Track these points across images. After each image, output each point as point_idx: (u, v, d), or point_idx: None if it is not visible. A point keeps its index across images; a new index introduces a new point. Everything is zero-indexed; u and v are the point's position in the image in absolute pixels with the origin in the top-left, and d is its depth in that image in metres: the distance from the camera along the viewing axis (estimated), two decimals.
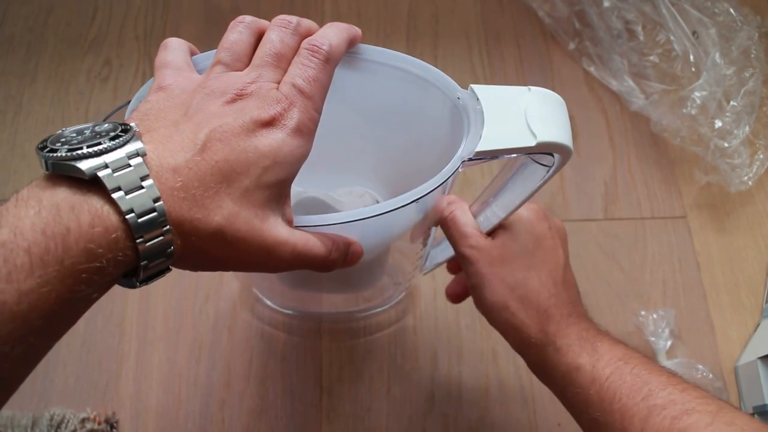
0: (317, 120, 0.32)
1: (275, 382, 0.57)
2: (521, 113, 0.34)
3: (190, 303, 0.60)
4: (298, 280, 0.50)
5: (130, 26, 0.75)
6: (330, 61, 0.32)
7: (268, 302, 0.59)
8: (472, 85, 0.35)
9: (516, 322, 0.42)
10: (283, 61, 0.32)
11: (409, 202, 0.32)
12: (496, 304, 0.42)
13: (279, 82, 0.31)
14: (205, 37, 0.74)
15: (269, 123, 0.29)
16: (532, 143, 0.34)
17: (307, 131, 0.31)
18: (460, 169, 0.34)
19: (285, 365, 0.58)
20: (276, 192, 0.30)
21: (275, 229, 0.30)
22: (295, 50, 0.33)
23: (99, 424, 0.54)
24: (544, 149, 0.34)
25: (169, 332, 0.59)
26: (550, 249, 0.43)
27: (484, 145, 0.33)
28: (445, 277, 0.54)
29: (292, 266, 0.31)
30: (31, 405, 0.55)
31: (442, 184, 0.33)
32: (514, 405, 0.57)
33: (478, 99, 0.35)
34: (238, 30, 0.33)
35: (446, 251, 0.51)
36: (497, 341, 0.59)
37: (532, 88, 0.35)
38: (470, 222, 0.43)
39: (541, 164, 0.37)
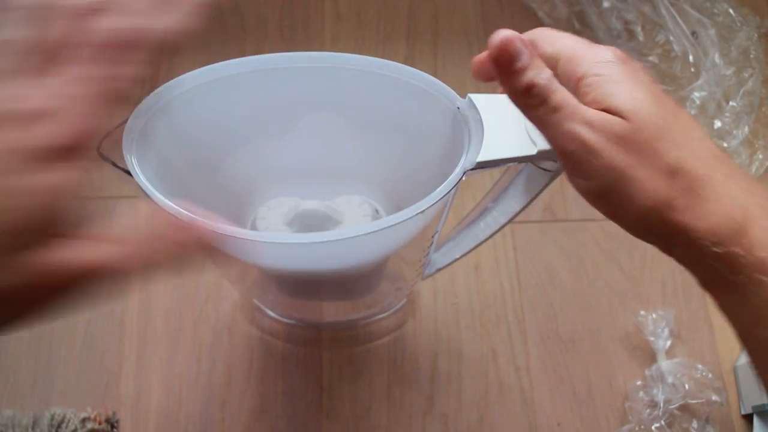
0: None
1: (275, 381, 0.58)
2: (521, 121, 0.34)
3: (191, 303, 0.60)
4: (296, 288, 0.50)
5: None
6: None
7: (268, 312, 0.59)
8: (470, 95, 0.35)
9: (688, 224, 0.29)
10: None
11: (411, 216, 0.32)
12: (655, 206, 0.29)
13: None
14: (206, 37, 0.74)
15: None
16: (533, 151, 0.34)
17: None
18: (463, 178, 0.34)
19: (285, 365, 0.58)
20: None
21: None
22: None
23: (99, 423, 0.54)
24: (545, 156, 0.34)
25: (170, 332, 0.59)
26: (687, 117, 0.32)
27: (485, 155, 0.34)
28: (445, 276, 0.54)
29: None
30: (31, 405, 0.55)
31: (445, 195, 0.33)
32: (513, 405, 0.57)
33: (476, 109, 0.35)
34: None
35: (448, 255, 0.50)
36: (497, 341, 0.60)
37: None
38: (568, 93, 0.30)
39: (543, 169, 0.38)
